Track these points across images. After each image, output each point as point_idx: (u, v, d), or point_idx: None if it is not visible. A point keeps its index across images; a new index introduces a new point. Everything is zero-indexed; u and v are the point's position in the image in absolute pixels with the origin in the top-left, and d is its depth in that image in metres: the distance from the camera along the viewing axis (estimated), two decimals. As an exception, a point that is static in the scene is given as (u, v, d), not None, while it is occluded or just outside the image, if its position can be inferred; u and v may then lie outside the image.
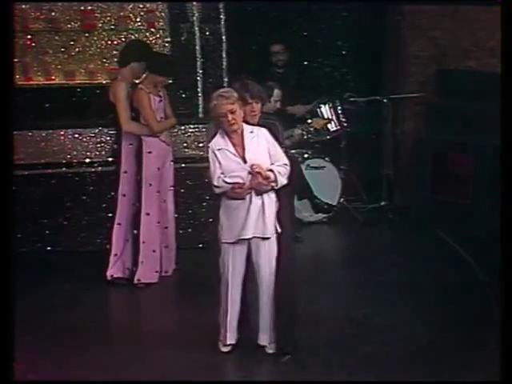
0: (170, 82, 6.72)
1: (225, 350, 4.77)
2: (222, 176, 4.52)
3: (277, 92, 6.04)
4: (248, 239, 4.57)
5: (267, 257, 4.60)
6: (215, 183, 4.54)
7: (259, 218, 4.54)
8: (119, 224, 6.02)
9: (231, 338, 4.74)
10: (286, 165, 4.60)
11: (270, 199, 4.59)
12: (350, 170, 7.61)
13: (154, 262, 6.03)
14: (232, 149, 4.56)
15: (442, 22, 7.68)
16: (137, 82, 6.03)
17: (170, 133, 6.27)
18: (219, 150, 4.54)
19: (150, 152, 5.95)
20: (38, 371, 4.51)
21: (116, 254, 6.02)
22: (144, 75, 6.01)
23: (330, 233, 7.36)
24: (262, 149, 4.57)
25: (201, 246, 6.67)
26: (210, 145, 4.58)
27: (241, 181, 4.50)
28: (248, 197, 4.54)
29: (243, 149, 4.56)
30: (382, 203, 7.61)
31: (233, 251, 4.62)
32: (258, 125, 4.66)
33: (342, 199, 7.46)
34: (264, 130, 4.62)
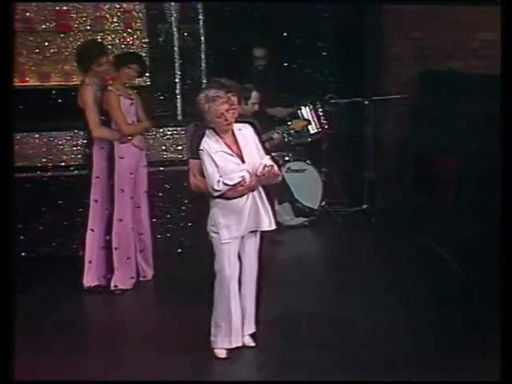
0: (148, 83, 6.78)
1: (222, 355, 4.75)
2: (221, 179, 4.54)
3: (255, 94, 6.07)
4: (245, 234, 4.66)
5: (254, 249, 4.71)
6: (216, 187, 4.54)
7: (254, 213, 4.61)
8: (92, 230, 6.00)
9: (236, 340, 4.75)
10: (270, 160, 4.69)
11: (259, 191, 4.64)
12: (331, 172, 7.65)
13: (129, 268, 6.02)
14: (228, 150, 4.59)
15: (423, 22, 7.73)
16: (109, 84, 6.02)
17: (147, 136, 6.27)
18: (215, 152, 4.56)
19: (122, 157, 5.95)
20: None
21: (91, 262, 6.00)
22: (114, 75, 5.99)
23: (310, 236, 7.37)
24: (252, 145, 4.64)
25: (180, 251, 6.68)
26: (203, 148, 4.58)
27: (241, 180, 4.53)
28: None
29: (238, 148, 4.60)
30: (364, 206, 7.65)
31: (230, 250, 4.64)
32: (238, 121, 4.70)
33: (323, 202, 7.48)
34: (249, 126, 4.69)
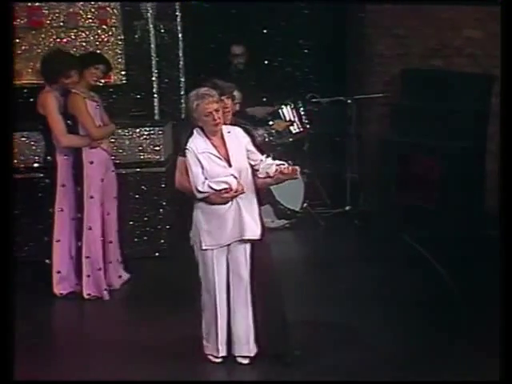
0: (124, 82, 6.78)
1: (216, 361, 4.73)
2: (206, 181, 4.52)
3: (237, 94, 6.07)
4: (230, 244, 4.60)
5: (244, 261, 4.62)
6: (200, 189, 4.51)
7: (238, 221, 4.56)
8: (58, 241, 5.94)
9: (223, 350, 4.70)
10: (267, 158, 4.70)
11: (247, 198, 4.60)
12: (313, 173, 7.64)
13: (100, 278, 5.95)
14: (215, 151, 4.56)
15: (406, 20, 7.76)
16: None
17: (123, 136, 6.26)
18: (202, 153, 4.54)
19: (91, 162, 5.89)
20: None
21: (59, 272, 5.95)
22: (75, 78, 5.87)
23: (292, 239, 7.37)
24: (242, 149, 4.61)
25: (157, 254, 6.66)
26: (189, 147, 4.55)
27: (227, 186, 4.51)
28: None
29: (226, 151, 4.58)
30: (347, 208, 7.67)
31: (216, 256, 4.60)
32: (232, 125, 4.70)
33: (305, 204, 7.48)
34: (240, 129, 4.67)
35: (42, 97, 5.84)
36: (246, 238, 4.57)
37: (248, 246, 4.63)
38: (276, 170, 4.55)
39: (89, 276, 5.91)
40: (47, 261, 5.95)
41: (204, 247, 4.58)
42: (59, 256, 5.93)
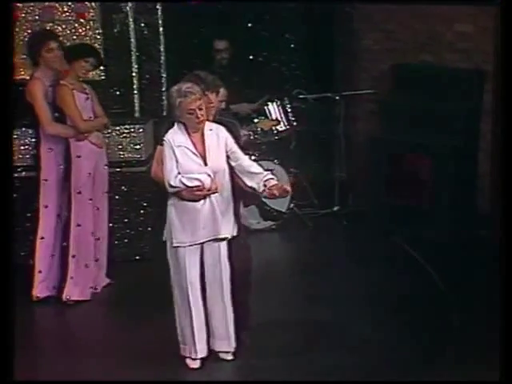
0: (103, 77, 6.70)
1: (194, 365, 4.73)
2: (179, 176, 4.52)
3: (222, 91, 6.06)
4: (202, 242, 4.62)
5: (219, 258, 4.66)
6: (172, 183, 4.53)
7: (211, 219, 4.59)
8: (42, 238, 5.90)
9: (202, 350, 4.72)
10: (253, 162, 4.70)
11: (223, 198, 4.62)
12: (300, 173, 7.62)
13: (87, 277, 5.96)
14: (192, 147, 4.58)
15: (395, 13, 7.76)
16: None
17: (103, 134, 6.18)
18: (178, 146, 4.54)
19: (78, 156, 5.86)
20: None
21: (41, 271, 5.91)
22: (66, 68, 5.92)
23: (279, 241, 7.39)
24: (221, 149, 4.62)
25: (138, 257, 6.65)
26: (166, 139, 4.57)
27: (200, 184, 4.52)
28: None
29: (204, 148, 4.58)
30: (335, 208, 7.68)
31: (188, 254, 4.61)
32: (216, 122, 4.70)
33: (291, 205, 7.48)
34: (222, 128, 4.67)
35: (30, 84, 5.84)
36: (220, 236, 4.61)
37: (224, 246, 4.67)
38: (273, 186, 4.55)
39: (72, 278, 5.87)
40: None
41: (175, 244, 4.60)
42: (42, 255, 5.88)
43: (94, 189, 5.96)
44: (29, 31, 6.69)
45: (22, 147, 6.50)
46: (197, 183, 4.53)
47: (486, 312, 5.16)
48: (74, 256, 5.88)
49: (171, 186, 4.55)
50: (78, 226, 5.87)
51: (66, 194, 5.90)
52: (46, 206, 5.90)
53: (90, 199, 5.93)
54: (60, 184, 5.89)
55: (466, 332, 5.13)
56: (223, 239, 4.66)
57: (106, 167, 6.06)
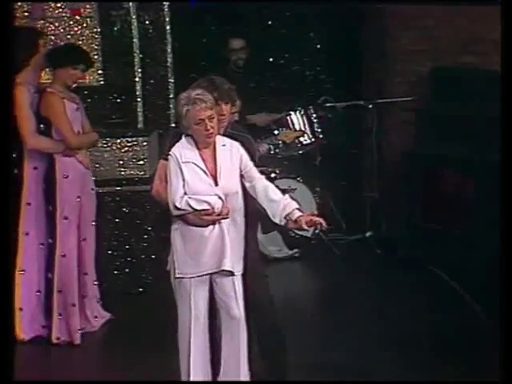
0: (101, 83, 6.68)
1: None
2: (185, 197, 4.42)
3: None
4: (209, 274, 4.54)
5: (234, 295, 4.54)
6: (177, 204, 4.43)
7: (219, 249, 4.49)
8: (23, 271, 5.81)
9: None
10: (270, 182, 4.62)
11: (235, 224, 4.53)
12: (326, 192, 7.59)
13: (74, 316, 5.83)
14: (202, 164, 4.49)
15: (435, 8, 7.64)
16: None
17: (101, 148, 6.19)
18: (186, 163, 4.46)
19: (66, 176, 5.78)
20: None
21: (21, 309, 5.79)
22: (51, 73, 5.87)
23: (302, 271, 7.34)
24: (235, 167, 4.53)
25: (141, 290, 6.59)
26: (172, 153, 4.47)
27: (209, 208, 4.42)
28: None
29: (215, 166, 4.50)
30: (367, 234, 7.61)
31: (194, 286, 4.53)
32: (228, 136, 4.62)
33: (317, 230, 7.30)
34: (237, 144, 4.57)
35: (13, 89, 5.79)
36: (226, 269, 4.48)
37: (238, 279, 4.55)
38: (299, 218, 4.43)
39: (60, 315, 5.79)
40: None
41: (177, 275, 4.50)
42: (23, 290, 5.78)
43: (81, 215, 5.89)
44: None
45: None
46: (206, 206, 4.42)
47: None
48: (60, 291, 5.81)
49: (176, 208, 4.43)
50: (63, 256, 5.80)
51: (50, 220, 5.80)
52: (27, 234, 5.82)
53: (77, 227, 5.87)
54: (43, 208, 5.81)
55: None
56: (230, 273, 4.52)
57: (92, 191, 6.00)
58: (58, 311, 5.78)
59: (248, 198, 4.60)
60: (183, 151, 4.46)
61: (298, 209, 4.46)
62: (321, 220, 4.48)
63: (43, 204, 5.79)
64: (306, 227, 4.45)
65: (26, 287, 5.79)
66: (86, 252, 5.95)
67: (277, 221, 4.49)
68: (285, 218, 4.44)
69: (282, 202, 4.47)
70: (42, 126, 5.72)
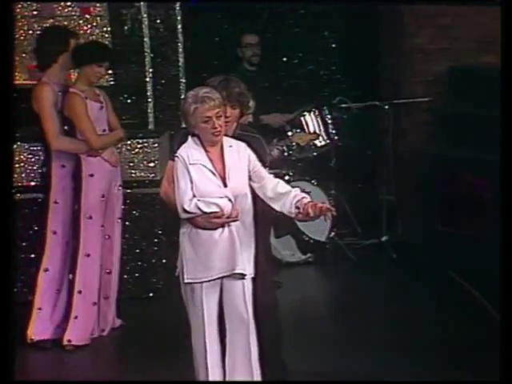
0: (111, 83, 6.71)
1: None
2: (194, 199, 4.41)
3: (251, 103, 6.01)
4: (219, 278, 4.54)
5: (244, 300, 4.53)
6: (186, 207, 4.43)
7: (230, 251, 4.49)
8: (47, 270, 5.85)
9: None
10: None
11: (244, 226, 4.52)
12: (341, 195, 7.58)
13: (91, 317, 5.88)
14: (210, 165, 4.49)
15: (452, 6, 7.65)
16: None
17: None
18: (193, 164, 4.46)
19: (91, 175, 5.83)
20: None
21: (41, 308, 5.85)
22: (76, 74, 5.91)
23: (316, 276, 7.33)
24: (243, 168, 4.54)
25: (151, 295, 6.61)
26: (179, 155, 4.48)
27: (219, 210, 4.42)
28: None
29: (223, 167, 4.50)
30: (383, 238, 7.60)
31: (205, 291, 4.53)
32: (236, 137, 4.62)
33: (332, 233, 7.42)
34: (244, 145, 4.57)
35: (37, 90, 5.83)
36: (237, 272, 4.48)
37: (248, 283, 4.54)
38: (307, 204, 4.39)
39: (76, 318, 5.81)
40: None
41: (186, 280, 4.50)
42: (45, 289, 5.84)
43: (106, 214, 5.93)
44: (25, 29, 6.69)
45: (17, 165, 6.42)
46: (215, 209, 4.42)
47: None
48: (80, 292, 5.82)
49: (185, 211, 4.43)
50: (87, 255, 5.83)
51: (74, 219, 5.85)
52: (55, 232, 5.86)
53: (102, 225, 5.90)
54: (70, 207, 5.86)
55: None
56: (242, 276, 4.53)
57: (120, 188, 6.03)
58: (75, 313, 5.80)
59: (256, 199, 4.58)
60: (190, 152, 4.47)
61: (306, 198, 4.42)
62: (329, 207, 4.42)
63: (70, 202, 5.85)
64: (312, 214, 4.37)
65: (49, 286, 5.85)
66: (110, 250, 5.99)
67: (286, 212, 4.44)
68: (296, 207, 4.40)
69: (293, 193, 4.47)
70: (65, 126, 5.80)
